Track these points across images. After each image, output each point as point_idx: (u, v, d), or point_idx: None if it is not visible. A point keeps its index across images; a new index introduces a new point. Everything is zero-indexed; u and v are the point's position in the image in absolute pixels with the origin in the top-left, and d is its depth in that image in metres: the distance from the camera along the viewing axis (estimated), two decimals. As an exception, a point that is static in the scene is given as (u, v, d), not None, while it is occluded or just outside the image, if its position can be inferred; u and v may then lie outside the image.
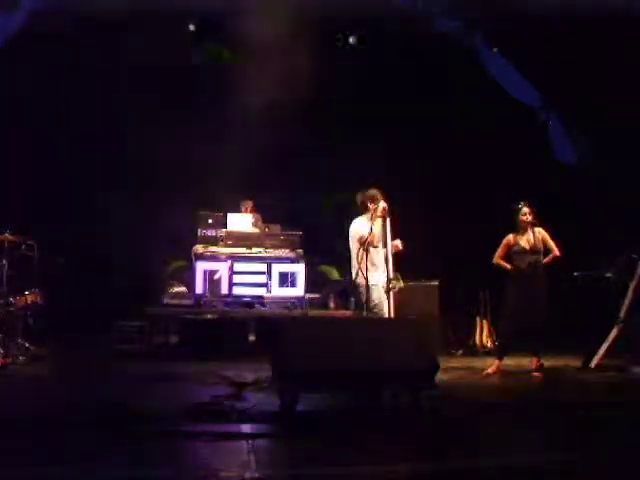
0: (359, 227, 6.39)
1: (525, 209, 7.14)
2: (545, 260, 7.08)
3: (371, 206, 6.36)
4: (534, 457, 3.73)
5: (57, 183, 9.42)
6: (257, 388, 5.61)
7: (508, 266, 7.17)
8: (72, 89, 9.45)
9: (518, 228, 7.17)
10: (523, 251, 7.07)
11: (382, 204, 6.33)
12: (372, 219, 6.29)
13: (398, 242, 6.44)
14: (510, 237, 7.21)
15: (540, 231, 7.14)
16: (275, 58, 9.37)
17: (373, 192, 6.47)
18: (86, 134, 9.58)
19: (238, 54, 9.63)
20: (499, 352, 7.27)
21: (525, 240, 7.10)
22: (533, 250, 7.04)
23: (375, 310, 6.24)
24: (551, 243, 7.13)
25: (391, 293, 6.15)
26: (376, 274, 6.31)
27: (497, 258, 7.25)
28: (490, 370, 7.08)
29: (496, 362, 7.14)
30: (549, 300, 6.99)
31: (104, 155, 9.57)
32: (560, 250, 7.09)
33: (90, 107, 9.58)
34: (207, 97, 9.64)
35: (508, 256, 7.21)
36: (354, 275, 6.33)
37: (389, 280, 6.08)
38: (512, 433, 4.27)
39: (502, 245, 7.25)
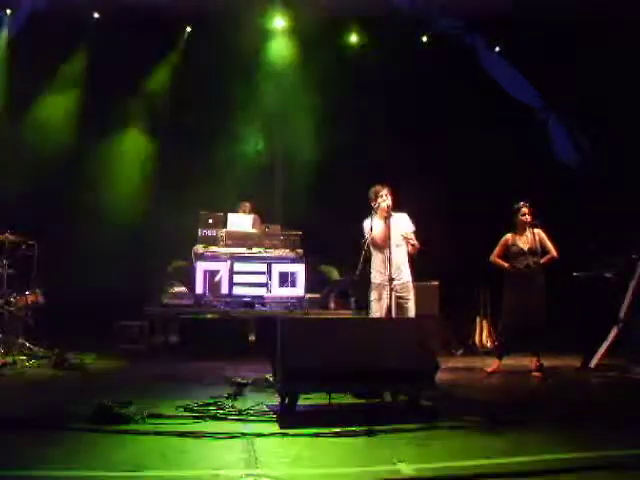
0: (365, 227, 6.33)
1: (524, 209, 7.12)
2: (542, 261, 7.06)
3: (373, 204, 6.32)
4: (534, 457, 3.73)
5: (57, 183, 9.42)
6: (257, 388, 5.61)
7: (505, 265, 7.17)
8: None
9: (517, 228, 7.17)
10: (521, 252, 7.07)
11: (384, 203, 6.25)
12: (373, 218, 6.25)
13: (413, 240, 6.27)
14: (508, 236, 7.21)
15: (539, 232, 7.12)
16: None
17: (374, 189, 6.38)
18: (86, 133, 9.59)
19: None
20: (499, 352, 7.28)
21: (523, 241, 7.10)
22: (531, 251, 7.03)
23: (369, 310, 6.25)
24: (549, 244, 7.10)
25: (393, 294, 6.12)
26: (379, 275, 6.29)
27: (494, 257, 7.26)
28: (490, 369, 7.09)
29: (496, 361, 7.15)
30: (549, 300, 7.00)
31: (104, 154, 9.57)
32: (558, 252, 7.08)
33: (90, 105, 9.59)
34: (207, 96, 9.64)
35: (506, 255, 7.21)
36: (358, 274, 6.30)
37: (391, 280, 6.07)
38: (512, 433, 4.27)
39: (500, 244, 7.25)
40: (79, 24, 9.43)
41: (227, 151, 9.81)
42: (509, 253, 7.18)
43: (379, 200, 6.26)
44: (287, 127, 10.31)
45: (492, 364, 7.18)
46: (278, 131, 10.49)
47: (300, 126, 9.99)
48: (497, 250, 7.26)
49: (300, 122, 10.00)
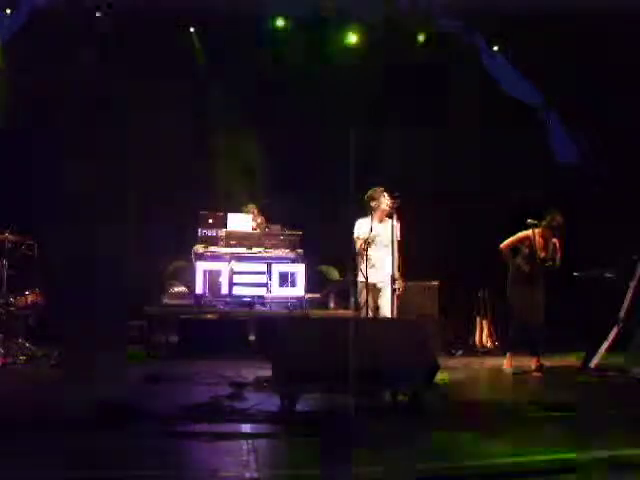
0: (357, 227, 6.46)
1: (558, 218, 6.98)
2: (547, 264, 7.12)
3: (373, 204, 6.39)
4: (534, 457, 3.73)
5: (57, 183, 9.41)
6: (257, 388, 5.61)
7: (510, 259, 7.16)
8: (72, 86, 9.46)
9: (543, 232, 7.07)
10: (535, 257, 7.01)
11: (384, 205, 6.33)
12: (372, 219, 6.32)
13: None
14: (529, 233, 7.04)
15: (555, 242, 7.12)
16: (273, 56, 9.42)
17: (375, 190, 6.46)
18: (86, 132, 9.57)
19: None
20: (508, 348, 7.26)
21: (543, 248, 7.04)
22: (543, 260, 7.02)
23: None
24: (557, 255, 7.10)
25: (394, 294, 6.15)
26: (373, 274, 6.36)
27: (505, 246, 7.18)
28: (506, 365, 7.07)
29: (508, 359, 7.12)
30: (549, 301, 7.04)
31: (104, 154, 9.56)
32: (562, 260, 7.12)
33: (90, 104, 9.59)
34: (207, 96, 9.65)
35: (516, 248, 7.19)
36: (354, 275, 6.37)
37: (393, 280, 6.08)
38: (512, 433, 4.27)
39: (517, 237, 7.15)
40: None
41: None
42: (522, 252, 7.14)
43: (381, 200, 6.33)
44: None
45: (506, 362, 7.13)
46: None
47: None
48: (510, 240, 7.17)
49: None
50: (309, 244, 8.95)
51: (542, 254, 7.03)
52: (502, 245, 7.21)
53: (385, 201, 6.35)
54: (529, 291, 7.01)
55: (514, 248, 7.20)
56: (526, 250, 7.10)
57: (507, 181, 9.57)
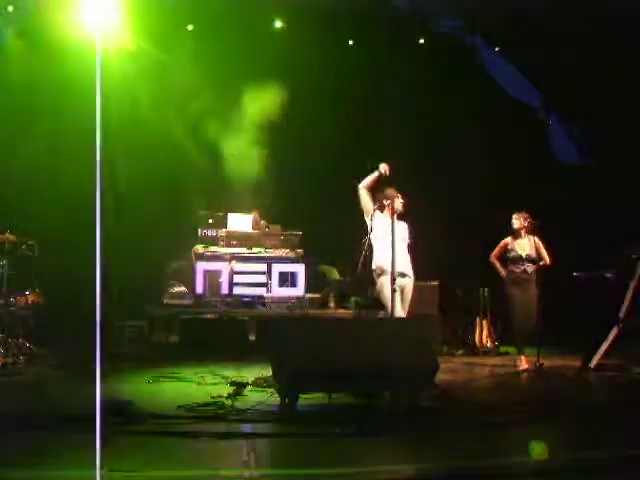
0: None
1: (514, 216, 7.29)
2: (540, 263, 7.23)
3: (385, 202, 6.46)
4: (533, 457, 3.73)
5: (57, 183, 9.41)
6: (257, 388, 5.61)
7: (500, 269, 7.38)
8: (74, 86, 9.46)
9: (514, 233, 7.30)
10: (518, 258, 7.25)
11: (396, 204, 6.42)
12: (377, 214, 6.39)
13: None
14: (508, 240, 7.39)
15: (536, 240, 7.29)
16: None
17: (390, 190, 6.57)
18: (86, 133, 9.56)
19: None
20: (519, 349, 7.28)
21: (521, 248, 7.27)
22: (527, 258, 7.21)
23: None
24: (544, 252, 7.28)
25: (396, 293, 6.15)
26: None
27: (493, 257, 7.46)
28: (522, 367, 7.08)
29: (522, 358, 7.14)
30: (546, 302, 7.06)
31: (104, 154, 9.56)
32: (552, 258, 7.23)
33: (90, 106, 9.57)
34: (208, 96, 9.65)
35: (504, 258, 7.33)
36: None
37: (393, 280, 6.09)
38: (511, 433, 4.27)
39: (499, 246, 7.45)
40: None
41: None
42: (508, 257, 7.37)
43: (395, 198, 6.41)
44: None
45: (522, 362, 7.12)
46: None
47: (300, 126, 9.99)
48: (496, 251, 7.46)
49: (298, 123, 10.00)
50: (309, 244, 8.96)
51: (524, 254, 7.19)
52: (490, 258, 7.46)
53: (398, 201, 6.45)
54: (524, 292, 7.17)
55: (505, 258, 7.36)
56: (511, 254, 7.29)
57: (507, 181, 9.57)
